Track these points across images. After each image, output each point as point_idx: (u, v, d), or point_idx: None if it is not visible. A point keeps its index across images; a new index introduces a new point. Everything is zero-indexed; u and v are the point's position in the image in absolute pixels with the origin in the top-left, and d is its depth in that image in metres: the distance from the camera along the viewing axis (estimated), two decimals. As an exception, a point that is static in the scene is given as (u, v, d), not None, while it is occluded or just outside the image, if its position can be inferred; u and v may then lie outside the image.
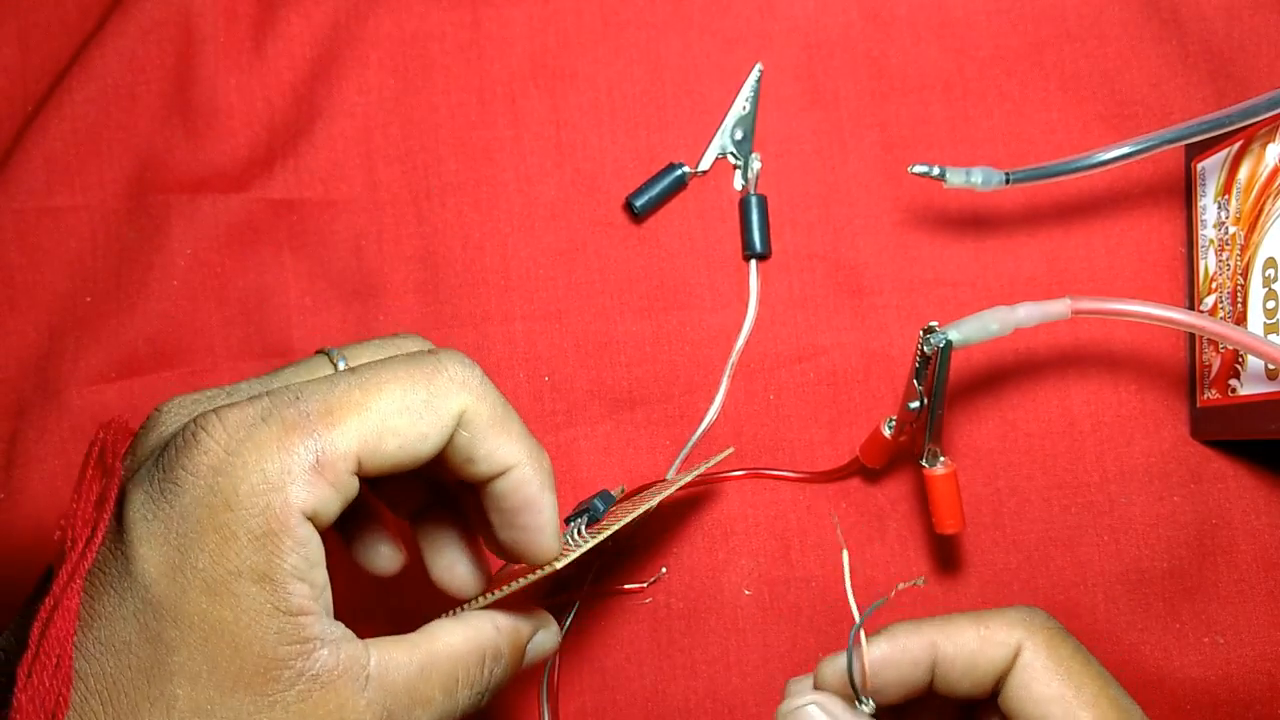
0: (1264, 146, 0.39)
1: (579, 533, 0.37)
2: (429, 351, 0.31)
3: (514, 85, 0.47)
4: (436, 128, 0.47)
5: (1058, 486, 0.45)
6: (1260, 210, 0.39)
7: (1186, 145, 0.43)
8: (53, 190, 0.47)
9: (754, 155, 0.46)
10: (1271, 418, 0.38)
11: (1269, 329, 0.39)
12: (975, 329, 0.37)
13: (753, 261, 0.46)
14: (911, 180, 0.46)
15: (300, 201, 0.47)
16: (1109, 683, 0.31)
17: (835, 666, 0.34)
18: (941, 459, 0.40)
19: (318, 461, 0.28)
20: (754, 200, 0.46)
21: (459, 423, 0.30)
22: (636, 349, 0.46)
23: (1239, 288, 0.40)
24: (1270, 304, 0.39)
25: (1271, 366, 0.39)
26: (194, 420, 0.28)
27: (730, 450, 0.44)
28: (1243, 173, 0.41)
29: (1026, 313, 0.37)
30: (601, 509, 0.39)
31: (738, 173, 0.47)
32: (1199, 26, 0.45)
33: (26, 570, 0.46)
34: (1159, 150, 0.39)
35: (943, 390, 0.38)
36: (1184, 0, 0.46)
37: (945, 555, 0.45)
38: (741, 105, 0.47)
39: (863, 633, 0.33)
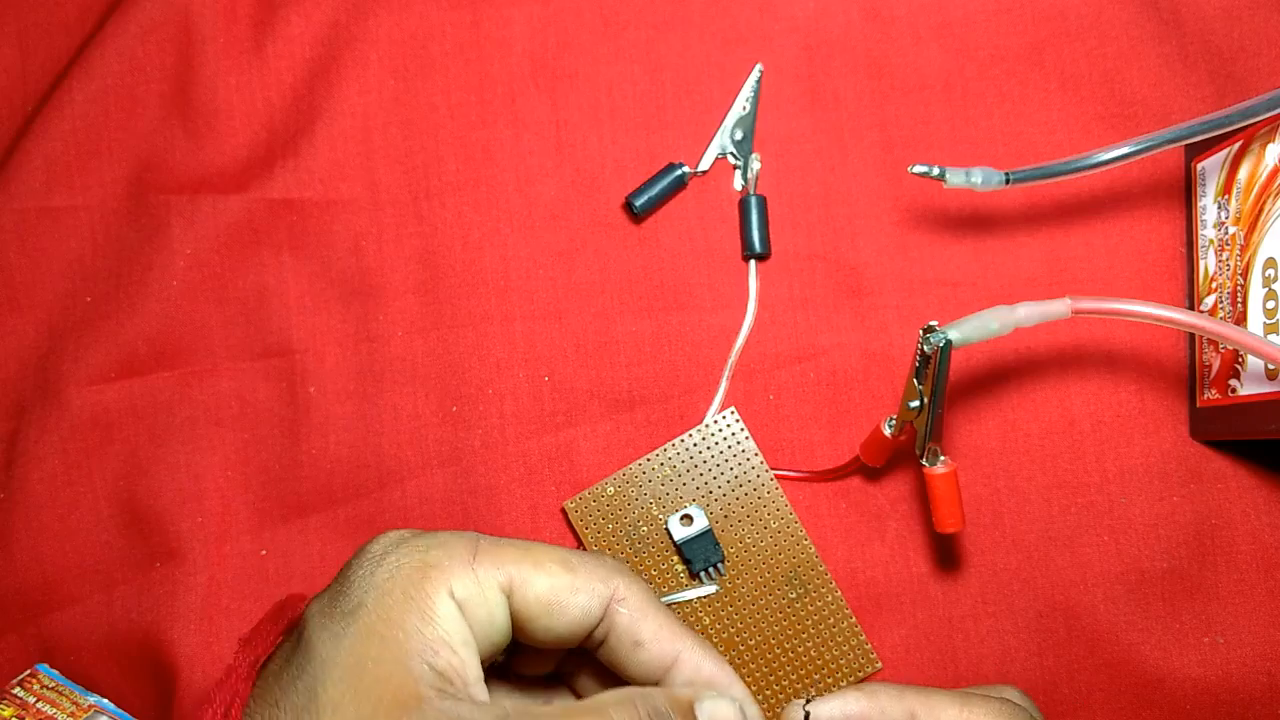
0: (1264, 146, 0.39)
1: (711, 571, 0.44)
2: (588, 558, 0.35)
3: (514, 85, 0.47)
4: (436, 128, 0.47)
5: (1058, 486, 0.45)
6: (1260, 210, 0.39)
7: (1186, 145, 0.43)
8: (53, 190, 0.47)
9: (754, 155, 0.46)
10: (1271, 418, 0.38)
11: (1269, 329, 0.39)
12: (975, 328, 0.37)
13: (752, 261, 0.46)
14: (911, 180, 0.46)
15: (300, 201, 0.47)
16: None
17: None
18: (942, 458, 0.40)
19: (473, 558, 0.32)
20: (754, 200, 0.46)
21: (613, 594, 0.33)
22: (636, 349, 0.46)
23: (1239, 288, 0.40)
24: (1270, 304, 0.39)
25: (1271, 366, 0.39)
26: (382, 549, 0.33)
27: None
28: (1243, 173, 0.41)
29: (1026, 312, 0.37)
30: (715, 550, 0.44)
31: (738, 173, 0.47)
32: (1199, 26, 0.45)
33: (27, 570, 0.46)
34: (1159, 150, 0.39)
35: (943, 389, 0.38)
36: (1184, 0, 0.46)
37: (945, 555, 0.45)
38: (741, 105, 0.47)
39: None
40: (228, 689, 0.31)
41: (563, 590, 0.33)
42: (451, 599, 0.31)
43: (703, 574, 0.44)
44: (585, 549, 0.44)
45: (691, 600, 0.44)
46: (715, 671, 0.34)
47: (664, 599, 0.43)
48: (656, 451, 0.44)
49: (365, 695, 0.29)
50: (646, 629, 0.33)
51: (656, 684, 0.34)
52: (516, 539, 0.34)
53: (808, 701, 0.35)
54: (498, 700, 0.32)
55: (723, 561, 0.44)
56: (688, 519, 0.44)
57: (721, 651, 0.43)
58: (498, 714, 0.30)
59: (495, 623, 0.32)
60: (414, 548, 0.32)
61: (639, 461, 0.44)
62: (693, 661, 0.34)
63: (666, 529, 0.44)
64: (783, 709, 0.36)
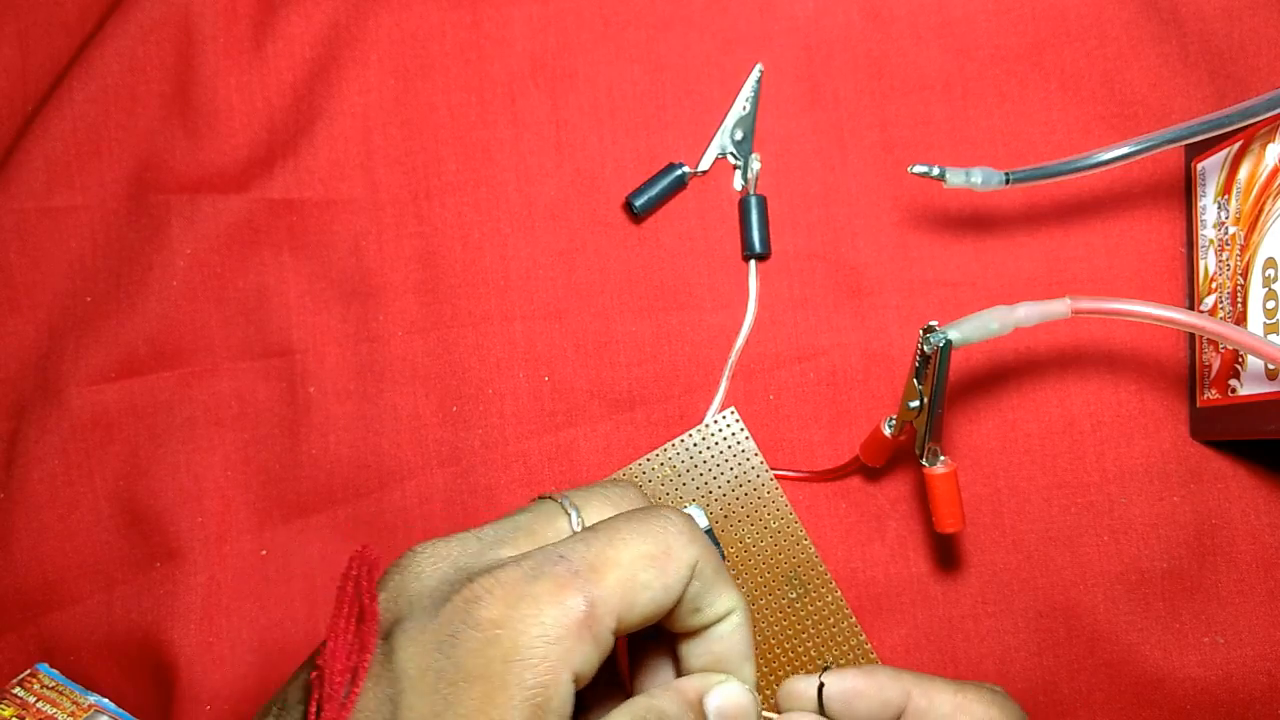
0: (1264, 146, 0.39)
1: None
2: (651, 508, 0.32)
3: (514, 85, 0.47)
4: (436, 128, 0.47)
5: (1058, 486, 0.45)
6: (1260, 210, 0.39)
7: (1186, 145, 0.43)
8: (53, 190, 0.47)
9: (754, 155, 0.46)
10: (1271, 418, 0.38)
11: (1269, 329, 0.39)
12: (975, 328, 0.37)
13: (752, 262, 0.46)
14: (911, 180, 0.46)
15: (300, 201, 0.47)
16: None
17: (794, 689, 0.35)
18: (942, 458, 0.40)
19: (587, 617, 0.29)
20: (754, 200, 0.46)
21: (693, 572, 0.31)
22: (636, 349, 0.46)
23: (1239, 288, 0.40)
24: (1270, 304, 0.39)
25: (1271, 366, 0.39)
26: (471, 578, 0.29)
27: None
28: (1243, 173, 0.41)
29: (1026, 312, 0.37)
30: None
31: (738, 173, 0.47)
32: (1199, 26, 0.45)
33: (27, 570, 0.46)
34: (1159, 150, 0.39)
35: (943, 389, 0.38)
36: (1184, 0, 0.46)
37: (945, 554, 0.45)
38: (741, 105, 0.47)
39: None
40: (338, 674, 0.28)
41: (659, 596, 0.30)
42: (571, 680, 0.29)
43: None
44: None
45: None
46: (743, 648, 0.33)
47: None
48: (657, 451, 0.44)
49: None
50: (708, 596, 0.32)
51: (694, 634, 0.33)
52: (618, 529, 0.31)
53: (823, 672, 0.35)
54: None
55: (724, 561, 0.44)
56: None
57: None
58: None
59: (601, 660, 0.30)
60: (530, 612, 0.28)
61: (639, 461, 0.44)
62: (734, 627, 0.33)
63: None
64: (782, 685, 0.36)
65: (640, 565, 0.30)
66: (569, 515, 0.32)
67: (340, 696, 0.28)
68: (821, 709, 0.35)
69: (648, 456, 0.44)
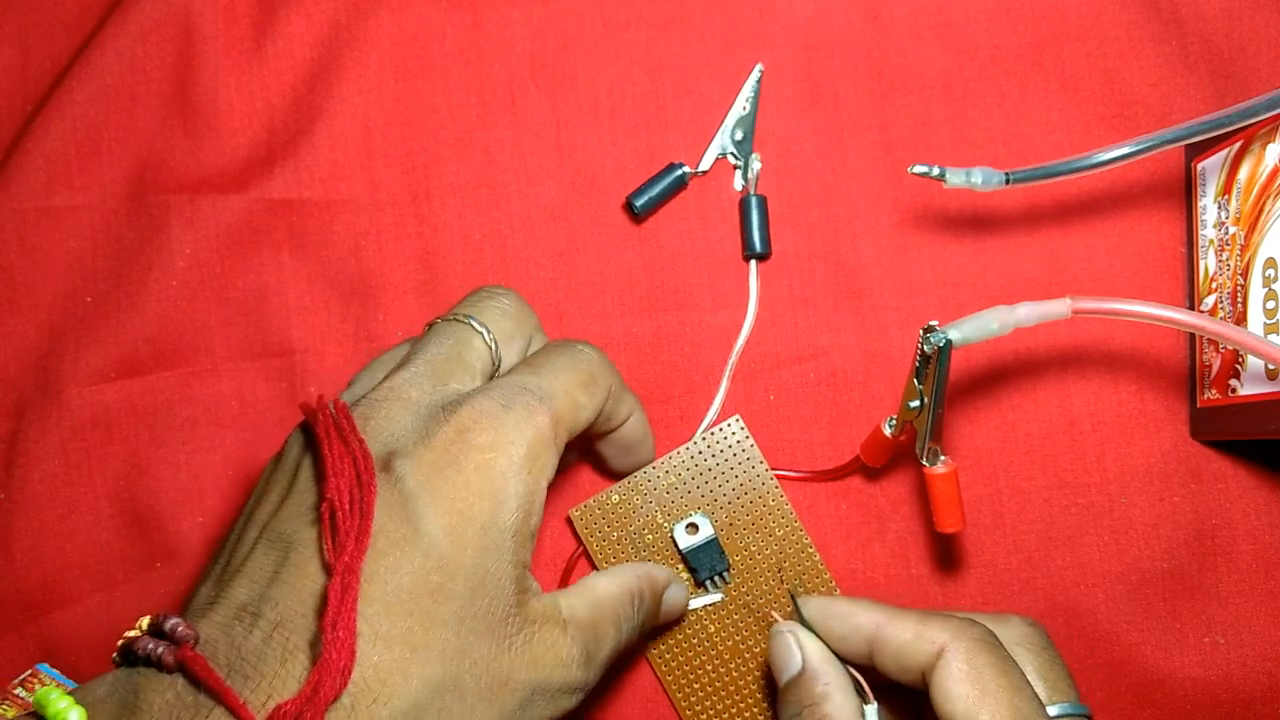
0: (1264, 146, 0.39)
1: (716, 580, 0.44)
2: (568, 341, 0.39)
3: (514, 85, 0.47)
4: (436, 128, 0.47)
5: (1058, 486, 0.45)
6: (1260, 210, 0.39)
7: (1186, 145, 0.43)
8: (53, 190, 0.47)
9: (754, 155, 0.46)
10: (1271, 418, 0.38)
11: (1269, 329, 0.39)
12: (975, 328, 0.37)
13: (753, 262, 0.46)
14: (911, 180, 0.46)
15: (300, 202, 0.47)
16: (1020, 694, 0.34)
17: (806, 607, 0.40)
18: (942, 458, 0.40)
19: (552, 434, 0.35)
20: (754, 200, 0.46)
21: (609, 394, 0.38)
22: (636, 349, 0.46)
23: (1239, 288, 0.40)
24: (1270, 304, 0.39)
25: (1271, 366, 0.39)
26: (450, 410, 0.34)
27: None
28: (1243, 173, 0.41)
29: (1026, 312, 0.37)
30: (720, 560, 0.44)
31: (738, 173, 0.47)
32: (1199, 26, 0.45)
33: (27, 570, 0.46)
34: (1159, 150, 0.39)
35: (943, 389, 0.38)
36: (1184, 0, 0.46)
37: (945, 554, 0.45)
38: (741, 105, 0.47)
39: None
40: (351, 593, 0.30)
41: (591, 415, 0.37)
42: (546, 490, 0.34)
43: (708, 582, 0.44)
44: (591, 556, 0.44)
45: (696, 609, 0.44)
46: (643, 434, 0.42)
47: None
48: (661, 459, 0.44)
49: (481, 615, 0.32)
50: (618, 409, 0.40)
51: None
52: (555, 363, 0.37)
53: (794, 597, 0.40)
54: (540, 590, 0.35)
55: (728, 570, 0.44)
56: (693, 527, 0.43)
57: (726, 659, 0.44)
58: (552, 602, 0.34)
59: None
60: (515, 437, 0.34)
61: (644, 470, 0.44)
62: (633, 425, 0.41)
63: (672, 537, 0.44)
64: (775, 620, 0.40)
65: (577, 390, 0.36)
66: (480, 334, 0.37)
67: (355, 530, 0.31)
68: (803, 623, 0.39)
69: (653, 464, 0.44)
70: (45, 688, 0.29)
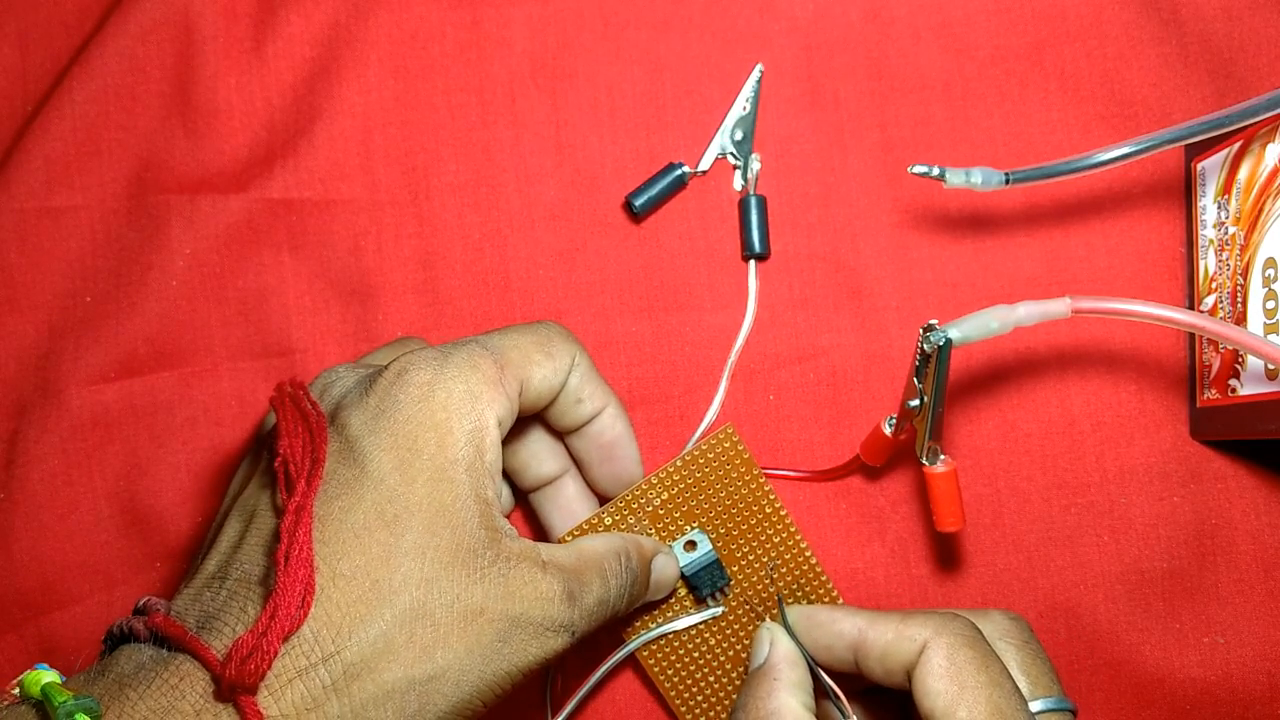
0: (1264, 146, 0.39)
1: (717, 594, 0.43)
2: (536, 323, 0.39)
3: (514, 85, 0.47)
4: (436, 128, 0.47)
5: (1058, 486, 0.45)
6: (1260, 210, 0.39)
7: (1186, 145, 0.43)
8: (53, 190, 0.47)
9: (754, 155, 0.46)
10: (1271, 418, 0.38)
11: (1269, 329, 0.39)
12: (975, 327, 0.37)
13: (752, 262, 0.46)
14: (911, 180, 0.46)
15: (300, 201, 0.47)
16: (999, 689, 0.34)
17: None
18: (942, 457, 0.40)
19: (499, 375, 0.35)
20: (754, 200, 0.46)
21: (572, 364, 0.38)
22: (636, 349, 0.46)
23: (1239, 288, 0.40)
24: (1270, 304, 0.39)
25: (1271, 366, 0.39)
26: (396, 362, 0.34)
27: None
28: (1243, 173, 0.41)
29: (1026, 311, 0.37)
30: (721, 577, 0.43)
31: (738, 173, 0.47)
32: (1199, 26, 0.45)
33: (27, 569, 0.46)
34: (1159, 150, 0.39)
35: (943, 388, 0.38)
36: (1184, 0, 0.46)
37: (945, 554, 0.45)
38: (741, 105, 0.47)
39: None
40: (303, 529, 0.31)
41: (549, 376, 0.37)
42: (497, 425, 0.34)
43: (709, 598, 0.43)
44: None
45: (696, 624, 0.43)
46: (623, 433, 0.41)
47: (671, 625, 0.43)
48: (651, 475, 0.42)
49: (444, 545, 0.32)
50: (587, 389, 0.39)
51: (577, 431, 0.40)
52: (509, 328, 0.38)
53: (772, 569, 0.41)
54: (518, 535, 0.35)
55: (729, 584, 0.43)
56: (691, 545, 0.43)
57: (728, 669, 0.44)
58: (529, 545, 0.35)
59: (511, 420, 0.36)
60: (455, 374, 0.34)
61: (634, 487, 0.42)
62: (610, 419, 0.40)
63: None
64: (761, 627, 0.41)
65: (530, 348, 0.37)
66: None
67: (305, 473, 0.32)
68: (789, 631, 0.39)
69: (641, 483, 0.42)
70: (31, 673, 0.31)
